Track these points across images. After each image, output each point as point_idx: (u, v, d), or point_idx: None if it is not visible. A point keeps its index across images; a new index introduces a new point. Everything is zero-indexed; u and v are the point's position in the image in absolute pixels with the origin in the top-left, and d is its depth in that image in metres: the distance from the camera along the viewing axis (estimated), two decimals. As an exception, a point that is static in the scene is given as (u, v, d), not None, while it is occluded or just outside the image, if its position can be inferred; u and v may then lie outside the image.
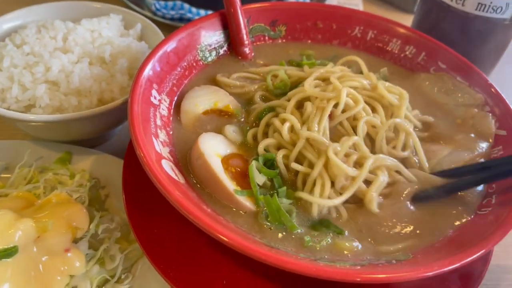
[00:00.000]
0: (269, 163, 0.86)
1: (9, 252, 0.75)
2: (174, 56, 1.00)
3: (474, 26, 1.17)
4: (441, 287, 0.81)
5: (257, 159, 0.85)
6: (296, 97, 0.90)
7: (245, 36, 1.11)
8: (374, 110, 0.91)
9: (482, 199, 0.84)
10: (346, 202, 0.81)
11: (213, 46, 1.09)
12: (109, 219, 0.93)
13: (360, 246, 0.76)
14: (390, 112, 0.92)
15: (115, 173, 1.01)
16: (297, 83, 0.99)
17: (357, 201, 0.83)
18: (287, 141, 0.87)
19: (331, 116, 0.88)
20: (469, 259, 0.67)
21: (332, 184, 0.81)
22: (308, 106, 0.89)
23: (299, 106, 0.92)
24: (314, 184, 0.81)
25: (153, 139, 0.81)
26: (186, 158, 0.87)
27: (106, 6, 1.27)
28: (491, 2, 1.11)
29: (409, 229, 0.80)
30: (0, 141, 1.07)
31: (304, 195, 0.80)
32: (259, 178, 0.82)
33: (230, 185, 0.80)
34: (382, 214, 0.80)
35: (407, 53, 1.14)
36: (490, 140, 0.95)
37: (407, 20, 1.82)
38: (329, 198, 0.80)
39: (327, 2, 1.84)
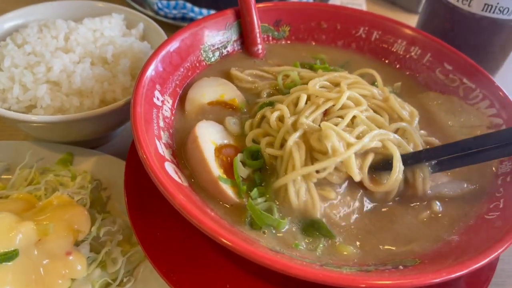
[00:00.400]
0: (256, 154, 0.86)
1: (9, 256, 0.74)
2: (177, 56, 0.99)
3: (480, 27, 1.16)
4: (448, 293, 0.80)
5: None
6: (297, 93, 0.89)
7: (258, 35, 1.11)
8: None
9: (489, 203, 0.83)
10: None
11: (216, 47, 1.08)
12: (111, 222, 0.92)
13: (358, 251, 0.76)
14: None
15: (117, 175, 1.00)
16: None
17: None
18: (274, 129, 0.86)
19: (326, 112, 0.86)
20: (477, 265, 0.66)
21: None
22: (302, 99, 0.88)
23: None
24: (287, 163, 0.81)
25: (156, 141, 0.80)
26: (182, 145, 0.88)
27: (108, 5, 1.26)
28: (497, 3, 1.10)
29: (412, 232, 0.80)
30: (1, 142, 1.05)
31: (276, 183, 0.80)
32: (243, 171, 0.83)
33: (216, 171, 0.81)
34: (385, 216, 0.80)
35: (413, 54, 1.13)
36: (494, 169, 0.91)
37: (411, 20, 1.81)
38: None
39: (330, 2, 1.83)
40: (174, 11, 1.58)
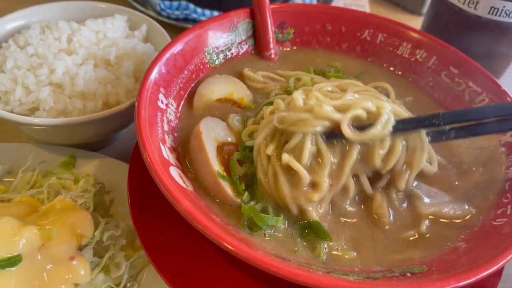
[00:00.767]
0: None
1: (13, 261, 0.73)
2: (181, 59, 0.98)
3: (485, 30, 1.15)
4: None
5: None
6: (303, 96, 0.88)
7: (271, 40, 1.11)
8: None
9: (496, 209, 0.82)
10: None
11: (220, 49, 1.07)
12: (114, 226, 0.91)
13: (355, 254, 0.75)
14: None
15: (120, 178, 0.99)
16: None
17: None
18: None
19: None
20: (486, 273, 0.65)
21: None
22: (298, 94, 0.86)
23: None
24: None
25: (161, 145, 0.79)
26: (186, 139, 0.88)
27: (111, 7, 1.25)
28: (504, 6, 1.09)
29: (418, 238, 0.79)
30: (3, 144, 1.05)
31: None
32: (239, 169, 0.83)
33: (217, 167, 0.81)
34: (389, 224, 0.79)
35: (418, 57, 1.12)
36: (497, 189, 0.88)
37: (414, 21, 1.81)
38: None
39: (333, 3, 1.82)
40: (177, 12, 1.57)
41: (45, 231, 0.77)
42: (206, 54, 1.04)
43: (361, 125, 0.77)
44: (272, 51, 1.12)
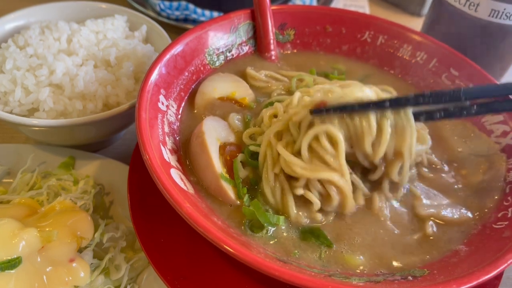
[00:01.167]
0: (257, 154, 0.86)
1: (12, 263, 0.72)
2: (181, 60, 0.97)
3: (486, 32, 1.15)
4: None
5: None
6: (300, 94, 0.89)
7: (272, 41, 1.11)
8: None
9: (497, 212, 0.82)
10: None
11: (221, 50, 1.07)
12: (114, 228, 0.91)
13: (368, 260, 0.75)
14: None
15: (119, 179, 0.99)
16: None
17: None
18: (267, 126, 0.86)
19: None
20: (487, 276, 0.65)
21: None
22: (296, 96, 0.87)
23: None
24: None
25: (161, 147, 0.79)
26: (187, 140, 0.88)
27: (111, 7, 1.25)
28: (504, 9, 1.09)
29: (421, 241, 0.79)
30: (2, 145, 1.04)
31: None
32: (243, 172, 0.82)
33: (219, 168, 0.81)
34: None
35: (418, 59, 1.12)
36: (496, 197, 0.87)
37: (414, 23, 1.81)
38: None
39: (333, 4, 1.82)
40: (177, 12, 1.57)
41: (45, 233, 0.77)
42: (206, 55, 1.04)
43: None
44: (273, 52, 1.12)
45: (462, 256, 0.75)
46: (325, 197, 0.78)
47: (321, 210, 0.79)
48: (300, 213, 0.79)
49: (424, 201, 0.85)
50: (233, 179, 0.82)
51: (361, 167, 0.82)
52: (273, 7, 1.13)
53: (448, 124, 1.01)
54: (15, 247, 0.74)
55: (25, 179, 0.97)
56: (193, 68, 1.01)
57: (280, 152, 0.78)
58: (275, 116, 0.88)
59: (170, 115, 0.90)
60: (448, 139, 0.98)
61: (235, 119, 0.92)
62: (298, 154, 0.78)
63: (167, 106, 0.90)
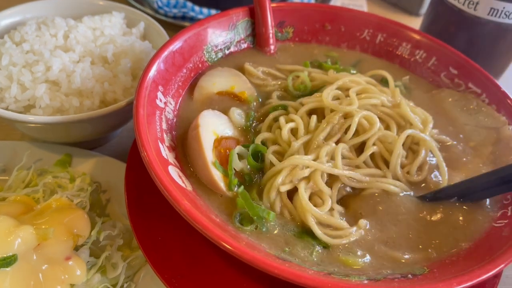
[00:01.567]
0: (258, 155, 0.85)
1: (8, 261, 0.72)
2: (179, 57, 0.97)
3: (485, 31, 1.15)
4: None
5: (247, 147, 0.85)
6: (311, 104, 0.89)
7: (271, 36, 1.10)
8: (387, 128, 0.88)
9: (497, 211, 0.82)
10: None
11: (219, 47, 1.06)
12: (111, 226, 0.90)
13: (364, 261, 0.74)
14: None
15: (116, 177, 0.98)
16: (319, 86, 0.98)
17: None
18: (284, 140, 0.85)
19: (338, 141, 0.85)
20: (488, 274, 0.65)
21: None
22: (313, 120, 0.87)
23: (311, 112, 0.90)
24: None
25: (159, 144, 0.78)
26: (184, 134, 0.88)
27: (108, 3, 1.24)
28: (503, 7, 1.09)
29: (418, 239, 0.78)
30: (-2, 142, 1.03)
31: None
32: (237, 164, 0.82)
33: (211, 157, 0.80)
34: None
35: (417, 57, 1.12)
36: None
37: (412, 22, 1.80)
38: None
39: (331, 3, 1.82)
40: (174, 10, 1.56)
41: (41, 231, 0.76)
42: (205, 52, 1.03)
43: None
44: (272, 46, 1.12)
45: (461, 254, 0.74)
46: None
47: None
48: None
49: None
50: (225, 167, 0.81)
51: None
52: (273, 5, 1.13)
53: (449, 96, 1.02)
54: (10, 244, 0.73)
55: (20, 177, 0.96)
56: (191, 65, 1.00)
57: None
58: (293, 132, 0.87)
59: (168, 112, 0.89)
60: (451, 113, 0.99)
61: (235, 113, 0.92)
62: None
63: (165, 103, 0.89)
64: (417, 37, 1.12)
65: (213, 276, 0.80)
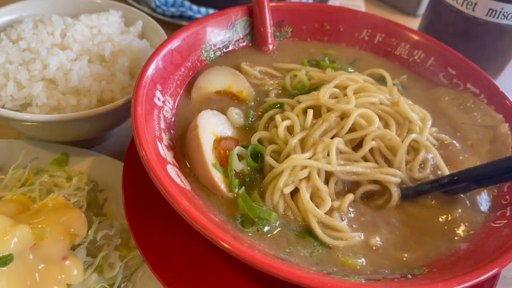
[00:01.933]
0: (258, 155, 0.85)
1: (4, 261, 0.71)
2: (178, 55, 0.96)
3: (483, 31, 1.16)
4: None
5: (247, 147, 0.84)
6: (308, 102, 0.88)
7: (269, 35, 1.10)
8: (386, 126, 0.88)
9: (496, 211, 0.82)
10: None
11: (218, 46, 1.06)
12: (108, 225, 0.89)
13: (364, 262, 0.73)
14: (406, 129, 0.88)
15: (114, 176, 0.98)
16: (317, 85, 0.97)
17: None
18: (281, 138, 0.85)
19: (334, 137, 0.84)
20: (487, 275, 0.65)
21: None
22: (310, 115, 0.86)
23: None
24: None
25: (158, 143, 0.78)
26: (183, 134, 0.87)
27: (106, 2, 1.23)
28: (502, 8, 1.09)
29: (417, 239, 0.78)
30: (-7, 140, 1.02)
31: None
32: (237, 165, 0.81)
33: (211, 159, 0.80)
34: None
35: (416, 57, 1.12)
36: None
37: (409, 23, 1.80)
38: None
39: (329, 3, 1.82)
40: (172, 9, 1.56)
41: (37, 230, 0.75)
42: (203, 51, 1.03)
43: None
44: (270, 46, 1.11)
45: (460, 254, 0.74)
46: None
47: None
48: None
49: None
50: (227, 169, 0.80)
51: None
52: (271, 4, 1.12)
53: (446, 95, 1.02)
54: (6, 244, 0.72)
55: (16, 175, 0.96)
56: (189, 63, 0.99)
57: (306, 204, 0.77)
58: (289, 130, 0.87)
59: (166, 111, 0.88)
60: (448, 111, 0.99)
61: (234, 113, 0.91)
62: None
63: (163, 102, 0.88)
64: (415, 37, 1.12)
65: (212, 277, 0.79)
